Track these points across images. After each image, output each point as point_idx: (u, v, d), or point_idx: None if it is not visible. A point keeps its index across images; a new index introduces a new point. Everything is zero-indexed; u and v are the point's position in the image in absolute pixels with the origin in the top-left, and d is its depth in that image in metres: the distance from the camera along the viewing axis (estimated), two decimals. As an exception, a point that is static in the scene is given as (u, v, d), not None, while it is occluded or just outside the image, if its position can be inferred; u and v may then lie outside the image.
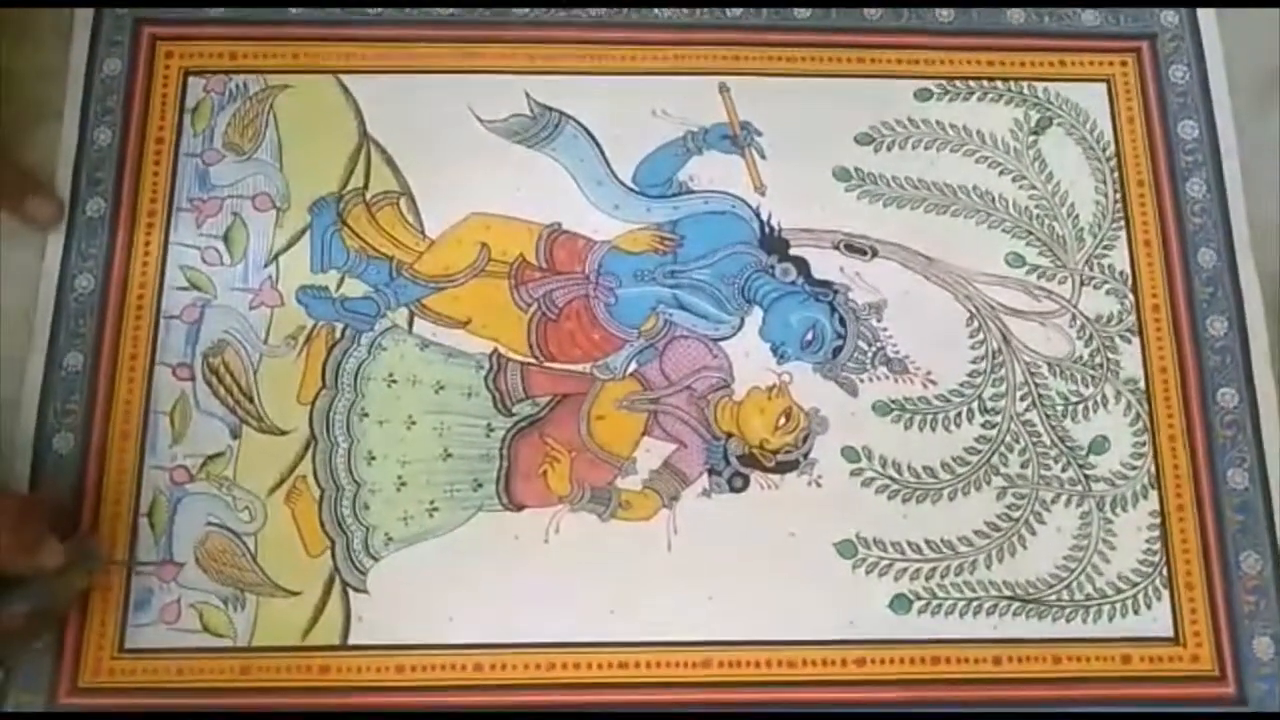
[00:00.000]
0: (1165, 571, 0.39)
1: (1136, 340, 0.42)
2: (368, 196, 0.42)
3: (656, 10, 0.44)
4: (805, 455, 0.40)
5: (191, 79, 0.43)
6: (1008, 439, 0.41)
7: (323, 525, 0.39)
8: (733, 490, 0.40)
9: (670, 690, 0.38)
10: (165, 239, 0.41)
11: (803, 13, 0.44)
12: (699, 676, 0.38)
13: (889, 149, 0.43)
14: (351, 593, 0.38)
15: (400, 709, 0.37)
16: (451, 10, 0.44)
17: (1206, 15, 0.45)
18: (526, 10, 0.44)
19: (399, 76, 0.43)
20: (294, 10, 0.44)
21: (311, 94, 0.43)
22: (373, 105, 0.43)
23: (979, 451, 0.40)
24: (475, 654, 0.38)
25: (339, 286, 0.41)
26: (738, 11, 0.44)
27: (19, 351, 0.40)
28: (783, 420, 0.40)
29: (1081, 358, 0.41)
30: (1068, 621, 0.39)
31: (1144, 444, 0.41)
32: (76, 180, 0.42)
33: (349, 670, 0.38)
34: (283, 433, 0.40)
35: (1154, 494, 0.40)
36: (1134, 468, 0.40)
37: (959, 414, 0.41)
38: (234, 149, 0.42)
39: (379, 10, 0.44)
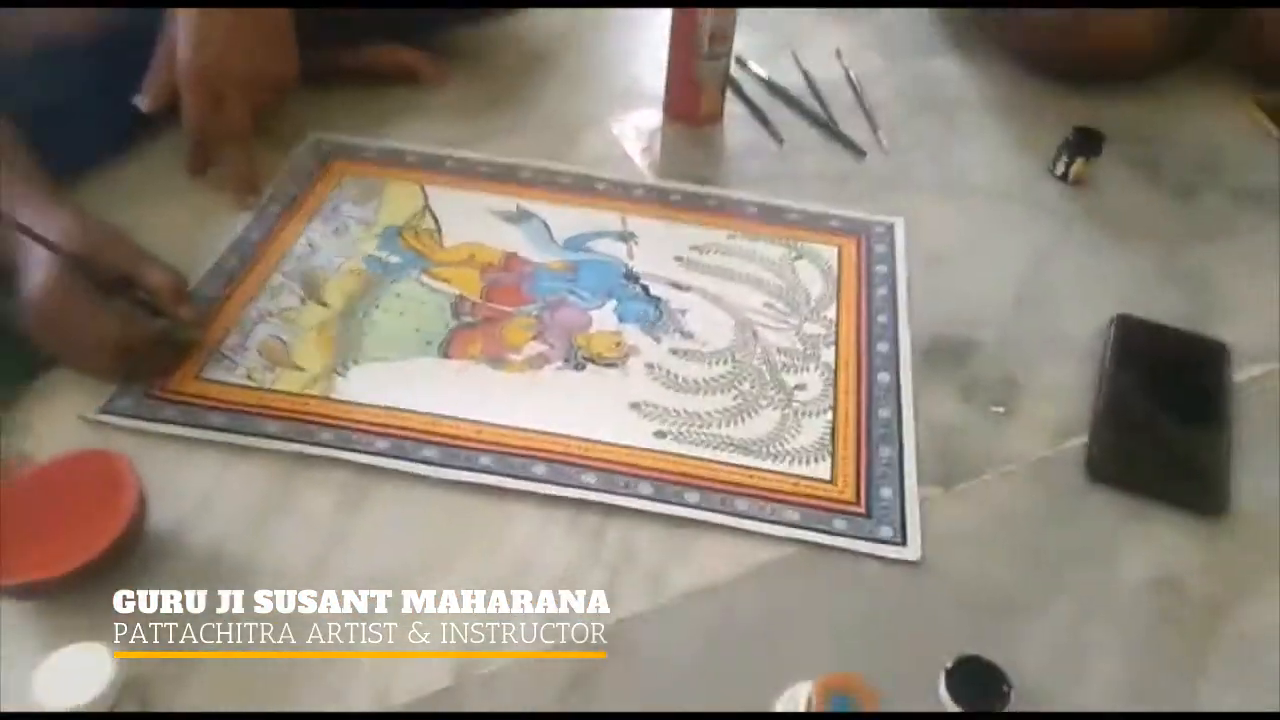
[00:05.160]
0: (830, 449, 0.62)
1: (834, 348, 0.69)
2: (418, 227, 0.77)
3: (600, 180, 0.82)
4: (623, 362, 0.67)
5: (347, 178, 0.82)
6: (745, 374, 0.67)
7: (334, 346, 0.66)
8: (576, 369, 0.66)
9: (525, 453, 0.60)
10: (305, 228, 0.76)
11: (675, 196, 0.81)
12: (544, 446, 0.61)
13: (710, 253, 0.77)
14: (338, 375, 0.65)
15: (369, 431, 0.61)
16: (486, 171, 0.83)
17: (899, 223, 0.80)
18: (534, 170, 0.82)
19: (451, 190, 0.81)
20: (409, 156, 0.83)
21: (404, 187, 0.80)
22: (433, 196, 0.80)
23: (726, 378, 0.67)
24: (424, 418, 0.62)
25: (388, 258, 0.74)
26: (639, 190, 0.82)
27: (205, 259, 0.73)
28: (614, 345, 0.68)
29: (798, 350, 0.69)
30: (765, 460, 0.61)
31: (829, 394, 0.66)
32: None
33: (332, 408, 0.62)
34: (328, 306, 0.69)
35: (829, 414, 0.64)
36: (821, 402, 0.65)
37: (717, 359, 0.68)
38: (356, 202, 0.79)
39: (454, 161, 0.83)
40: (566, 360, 0.67)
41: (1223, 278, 0.77)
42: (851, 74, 0.97)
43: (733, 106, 0.91)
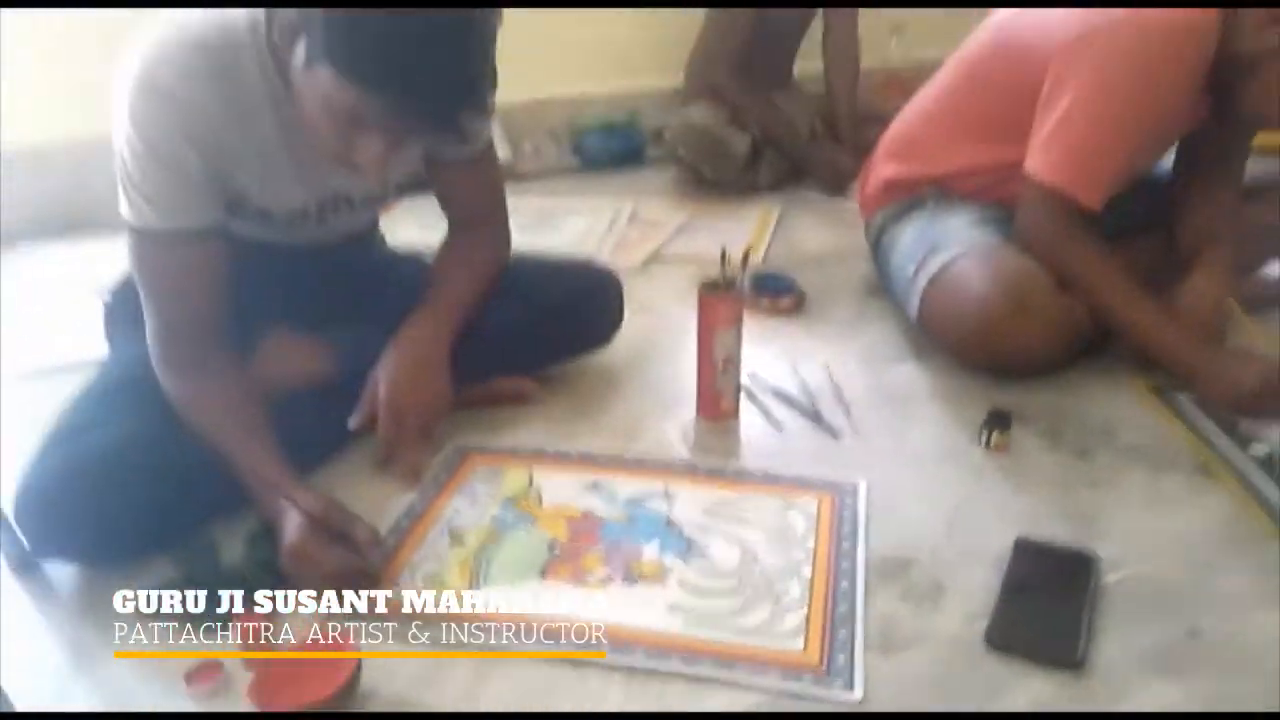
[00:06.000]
0: (804, 632, 0.91)
1: (810, 566, 0.99)
2: (528, 496, 1.12)
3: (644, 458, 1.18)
4: (664, 580, 0.98)
5: (479, 466, 1.19)
6: (748, 585, 0.97)
7: (471, 573, 1.00)
8: (631, 585, 0.98)
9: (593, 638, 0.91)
10: (451, 499, 1.12)
11: (703, 469, 1.16)
12: (610, 633, 0.91)
13: (727, 507, 1.09)
14: (473, 590, 0.97)
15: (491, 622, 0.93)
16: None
17: (862, 484, 1.12)
18: (605, 456, 1.19)
19: (549, 471, 1.17)
20: (519, 450, 1.21)
21: (517, 470, 1.17)
22: (536, 475, 1.16)
23: (735, 588, 0.97)
24: (530, 617, 0.94)
25: (506, 517, 1.09)
26: (678, 466, 1.17)
27: (388, 520, 1.09)
28: (658, 569, 1.00)
29: (785, 568, 0.99)
30: (759, 639, 0.90)
31: (805, 597, 0.95)
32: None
33: (471, 614, 0.94)
34: (466, 548, 1.04)
35: (805, 610, 0.94)
36: (799, 602, 0.95)
37: (729, 576, 0.98)
38: (484, 482, 1.16)
39: (550, 452, 1.20)
40: (625, 579, 0.99)
41: (1102, 513, 1.07)
42: (834, 379, 1.34)
43: (746, 405, 1.28)
